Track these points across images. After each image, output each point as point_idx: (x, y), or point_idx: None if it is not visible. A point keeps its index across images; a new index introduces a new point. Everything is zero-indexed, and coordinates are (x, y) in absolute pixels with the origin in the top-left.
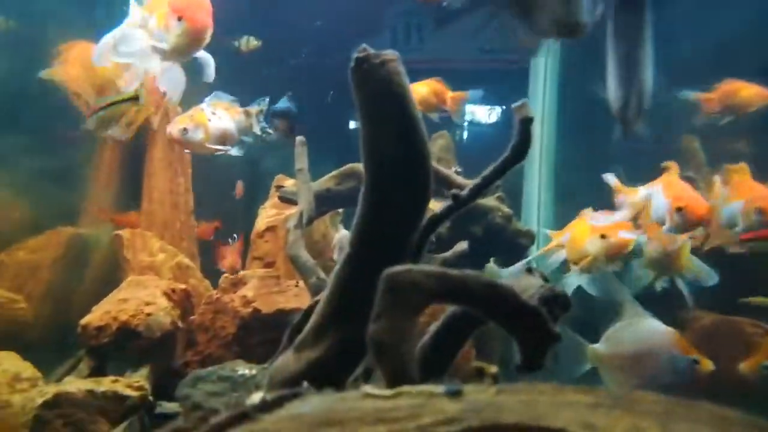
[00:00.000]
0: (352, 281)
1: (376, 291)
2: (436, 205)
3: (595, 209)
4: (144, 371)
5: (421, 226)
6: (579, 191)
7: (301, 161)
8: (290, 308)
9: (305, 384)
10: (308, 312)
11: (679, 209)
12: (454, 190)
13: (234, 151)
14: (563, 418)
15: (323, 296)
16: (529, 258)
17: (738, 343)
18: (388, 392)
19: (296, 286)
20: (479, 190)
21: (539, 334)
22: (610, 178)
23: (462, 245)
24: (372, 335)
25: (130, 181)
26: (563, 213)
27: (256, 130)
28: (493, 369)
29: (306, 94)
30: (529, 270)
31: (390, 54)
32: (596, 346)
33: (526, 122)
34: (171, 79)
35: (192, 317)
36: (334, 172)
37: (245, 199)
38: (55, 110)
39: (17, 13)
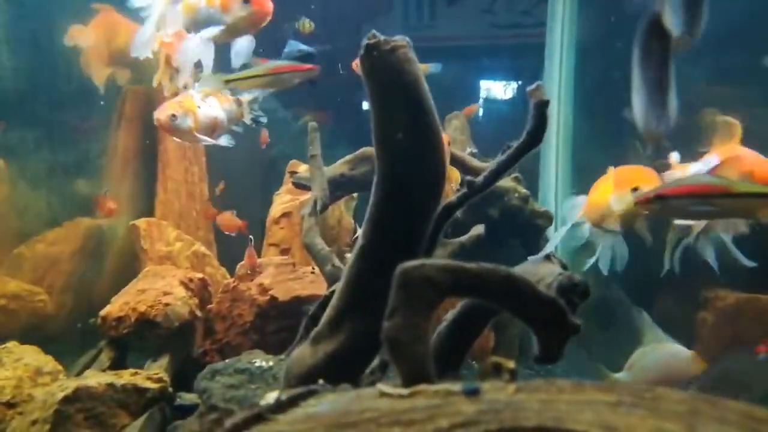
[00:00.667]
0: (366, 273)
1: (390, 282)
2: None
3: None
4: (164, 361)
5: (436, 214)
6: (597, 170)
7: (314, 147)
8: (306, 295)
9: (321, 381)
10: (324, 302)
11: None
12: (468, 177)
13: (223, 141)
14: (584, 420)
15: (338, 288)
16: (563, 228)
17: (763, 323)
18: (404, 391)
19: (312, 272)
20: (495, 177)
21: (558, 325)
22: (675, 156)
23: (478, 229)
24: (386, 333)
25: (145, 172)
26: (582, 192)
27: (247, 119)
28: (511, 364)
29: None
30: (548, 257)
31: (400, 40)
32: (619, 375)
33: (542, 106)
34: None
35: (209, 306)
36: (347, 157)
37: (260, 186)
38: (69, 102)
39: (29, 9)
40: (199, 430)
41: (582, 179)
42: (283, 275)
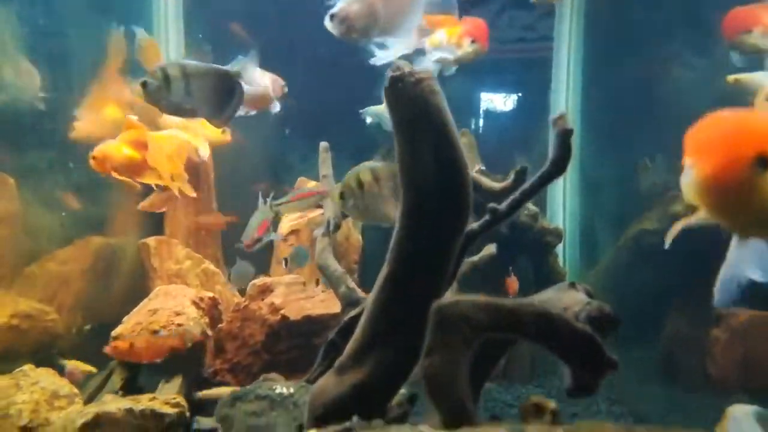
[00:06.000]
0: (391, 303)
1: (416, 312)
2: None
3: (623, 201)
4: (176, 382)
5: (458, 246)
6: (605, 184)
7: (326, 167)
8: (317, 314)
9: (355, 418)
10: (344, 328)
11: None
12: (492, 204)
13: None
14: None
15: (362, 318)
16: None
17: None
18: None
19: (323, 291)
20: (518, 205)
21: (595, 360)
22: None
23: (490, 248)
24: (425, 372)
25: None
26: (590, 207)
27: None
28: (552, 404)
29: (322, 93)
30: (573, 284)
31: (425, 72)
32: None
33: (566, 135)
34: None
35: (220, 325)
36: None
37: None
38: None
39: (45, 30)
40: None
41: (590, 194)
42: (293, 294)
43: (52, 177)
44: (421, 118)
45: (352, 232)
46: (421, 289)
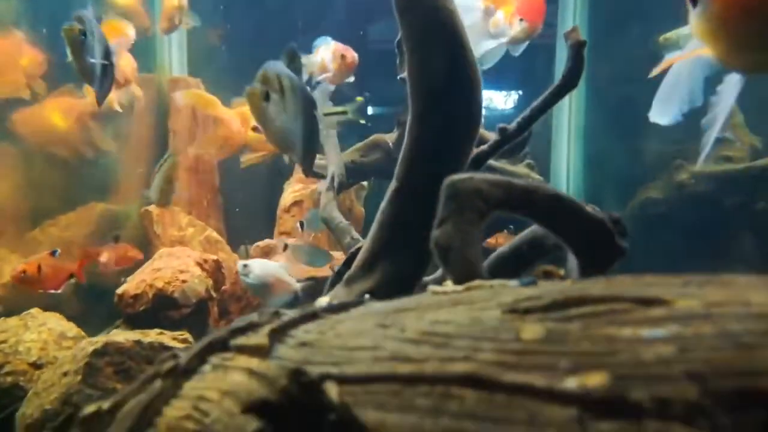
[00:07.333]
0: (399, 214)
1: (425, 223)
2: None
3: (626, 175)
4: None
5: (467, 163)
6: (609, 157)
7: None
8: (321, 276)
9: (367, 296)
10: (350, 259)
11: None
12: (501, 124)
13: None
14: (653, 292)
15: (371, 231)
16: None
17: None
18: (458, 287)
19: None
20: (528, 123)
21: (605, 246)
22: None
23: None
24: (437, 240)
25: (157, 159)
26: (594, 180)
27: None
28: (561, 272)
29: None
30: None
31: None
32: None
33: (579, 46)
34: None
35: (224, 287)
36: (358, 144)
37: (270, 175)
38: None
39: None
40: (259, 320)
41: (594, 166)
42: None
43: None
44: (432, 22)
45: (355, 204)
46: (429, 200)
